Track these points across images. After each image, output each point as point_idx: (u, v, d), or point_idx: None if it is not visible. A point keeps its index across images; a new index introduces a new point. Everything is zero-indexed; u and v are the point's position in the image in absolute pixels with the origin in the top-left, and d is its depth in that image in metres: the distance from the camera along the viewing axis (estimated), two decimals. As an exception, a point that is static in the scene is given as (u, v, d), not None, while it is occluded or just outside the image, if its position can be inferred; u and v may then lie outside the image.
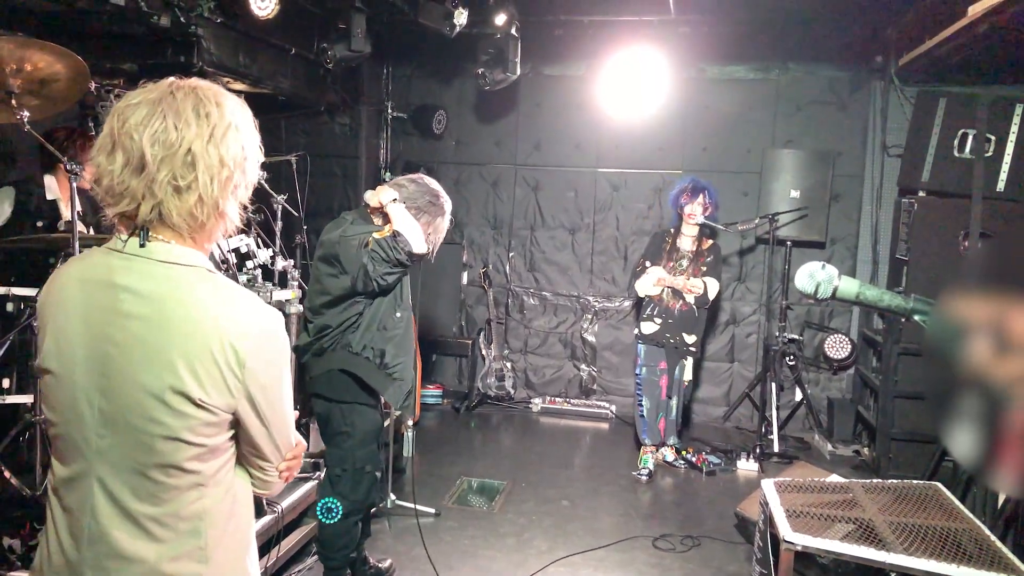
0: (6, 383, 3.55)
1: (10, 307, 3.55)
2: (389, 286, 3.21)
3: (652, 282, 5.33)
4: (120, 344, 1.36)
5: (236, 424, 1.42)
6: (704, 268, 5.40)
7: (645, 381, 5.37)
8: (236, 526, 1.49)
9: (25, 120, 3.22)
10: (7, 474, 3.51)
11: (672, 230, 5.49)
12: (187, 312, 1.36)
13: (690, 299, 5.36)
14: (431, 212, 3.33)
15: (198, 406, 1.34)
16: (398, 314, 3.33)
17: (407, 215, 3.25)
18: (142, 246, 1.39)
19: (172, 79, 1.42)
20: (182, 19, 4.35)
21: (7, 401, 3.58)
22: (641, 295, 5.43)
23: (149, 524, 1.38)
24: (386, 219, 3.28)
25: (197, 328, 1.35)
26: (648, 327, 5.33)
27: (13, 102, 3.18)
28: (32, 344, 3.49)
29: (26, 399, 3.57)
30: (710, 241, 5.49)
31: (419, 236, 3.23)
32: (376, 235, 3.16)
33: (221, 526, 1.44)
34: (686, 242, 5.42)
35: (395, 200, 3.25)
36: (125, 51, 4.62)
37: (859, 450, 5.79)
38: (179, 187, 1.36)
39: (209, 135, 1.37)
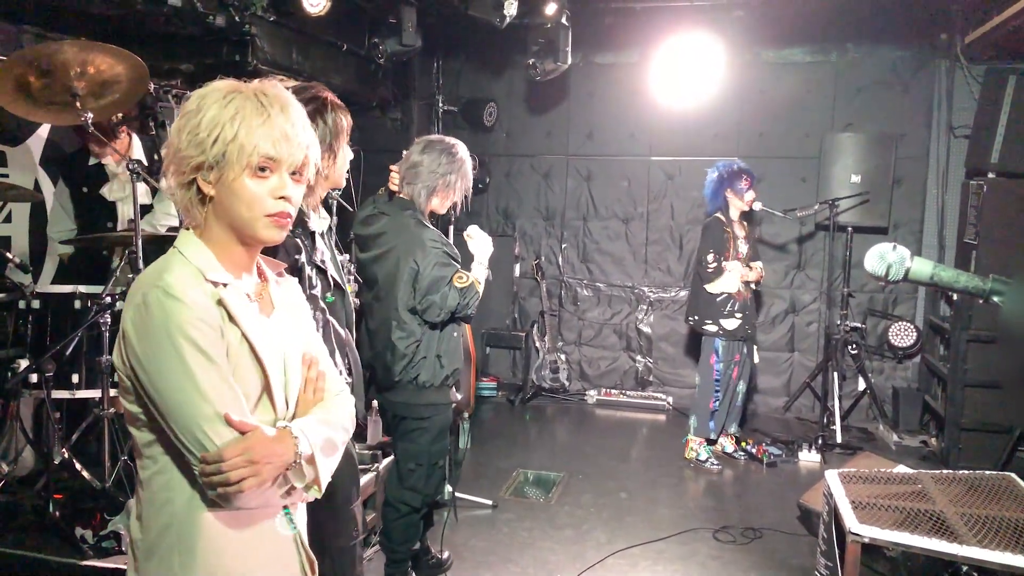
0: (75, 378, 3.65)
1: (77, 304, 3.65)
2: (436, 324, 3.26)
3: (737, 281, 5.18)
4: None
5: (140, 397, 1.42)
6: (754, 249, 5.39)
7: (723, 376, 5.27)
8: (176, 532, 1.43)
9: (89, 121, 3.31)
10: (79, 466, 3.63)
11: (723, 218, 5.27)
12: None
13: (752, 284, 5.33)
14: (454, 170, 3.33)
15: (114, 368, 1.47)
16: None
17: (485, 275, 3.37)
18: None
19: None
20: (236, 18, 4.41)
21: (77, 396, 3.69)
22: (717, 292, 5.20)
23: (137, 483, 1.51)
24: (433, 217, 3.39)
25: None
26: (731, 323, 5.18)
27: (77, 104, 3.27)
28: (100, 340, 3.58)
29: (95, 393, 3.68)
30: (747, 224, 5.43)
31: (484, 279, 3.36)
32: (461, 283, 3.19)
33: (153, 505, 1.46)
34: (739, 228, 5.32)
35: (481, 264, 3.37)
36: (182, 51, 4.71)
37: (926, 440, 5.62)
38: None
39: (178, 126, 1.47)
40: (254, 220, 1.48)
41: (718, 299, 5.18)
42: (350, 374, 2.54)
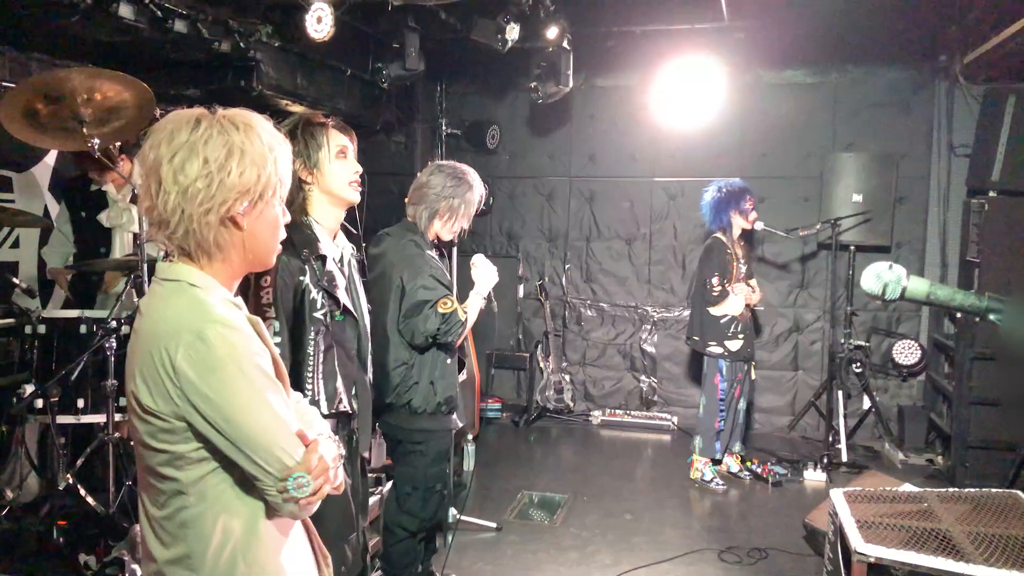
0: (81, 403, 3.66)
1: (83, 329, 3.67)
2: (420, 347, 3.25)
3: (742, 304, 5.18)
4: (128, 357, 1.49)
5: (199, 435, 1.40)
6: (750, 269, 5.44)
7: (728, 396, 5.25)
8: (236, 548, 1.45)
9: (96, 147, 3.35)
10: (83, 492, 3.62)
11: (724, 239, 5.26)
12: (149, 323, 1.44)
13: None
14: (459, 194, 3.33)
15: (148, 412, 1.40)
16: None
17: (480, 305, 3.37)
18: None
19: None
20: (241, 44, 4.47)
21: (82, 421, 3.69)
22: (721, 315, 5.18)
23: (156, 526, 1.47)
24: (439, 247, 3.42)
25: (148, 336, 1.42)
26: (735, 344, 5.17)
27: (84, 130, 3.31)
28: (105, 365, 3.59)
29: (100, 418, 3.68)
30: (743, 243, 5.43)
31: (476, 310, 3.36)
32: (445, 308, 3.17)
33: (209, 540, 1.44)
34: (738, 248, 5.33)
35: (478, 294, 3.37)
36: (187, 77, 4.77)
37: (932, 459, 5.60)
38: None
39: (161, 157, 1.43)
40: (275, 247, 1.57)
41: (722, 321, 5.18)
42: (352, 401, 2.53)
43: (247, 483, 1.44)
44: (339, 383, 2.46)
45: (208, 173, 1.41)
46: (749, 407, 5.69)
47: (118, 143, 3.91)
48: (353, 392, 2.53)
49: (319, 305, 2.42)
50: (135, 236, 3.89)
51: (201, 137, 1.42)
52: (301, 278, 2.38)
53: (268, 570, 1.50)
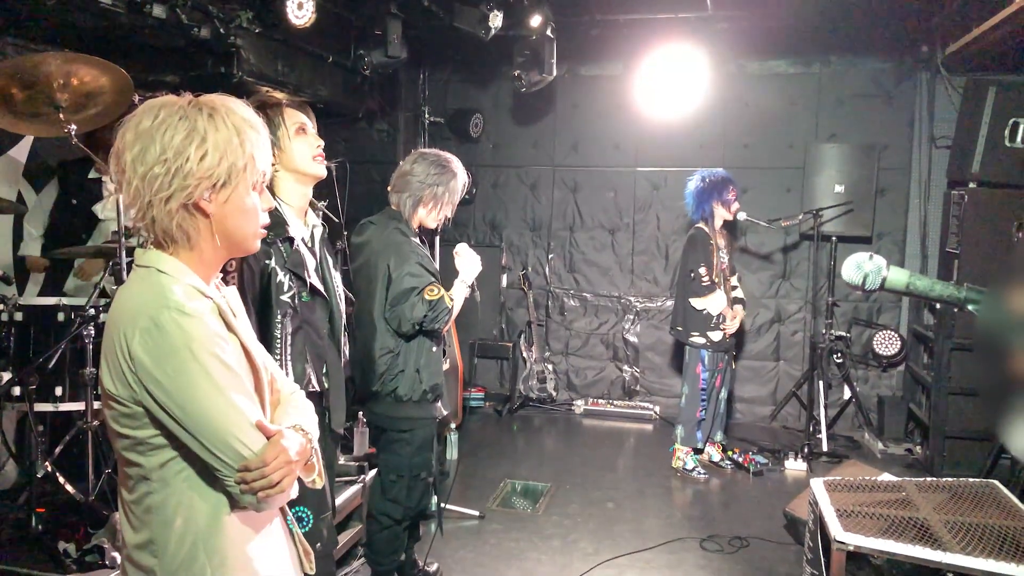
0: (59, 391, 3.62)
1: (61, 316, 3.62)
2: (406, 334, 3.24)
3: (721, 308, 5.18)
4: None
5: (156, 421, 1.39)
6: (733, 261, 5.48)
7: (709, 385, 5.28)
8: (198, 537, 1.44)
9: (73, 133, 3.30)
10: (62, 480, 3.59)
11: (707, 229, 5.26)
12: (115, 308, 1.45)
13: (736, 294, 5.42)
14: (443, 182, 3.33)
15: (110, 396, 1.41)
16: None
17: (465, 293, 3.37)
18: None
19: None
20: (221, 30, 4.41)
21: (60, 409, 3.66)
22: (700, 308, 5.20)
23: (127, 510, 1.48)
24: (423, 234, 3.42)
25: (112, 321, 1.42)
26: (717, 335, 5.19)
27: (61, 116, 3.26)
28: (83, 353, 3.56)
29: (78, 406, 3.64)
30: (726, 232, 5.44)
31: (462, 298, 3.36)
32: (431, 295, 3.16)
33: (170, 527, 1.43)
34: (720, 238, 5.34)
35: (463, 282, 3.37)
36: (167, 63, 4.70)
37: (911, 448, 5.65)
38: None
39: (125, 145, 1.42)
40: (253, 234, 1.54)
41: (704, 313, 5.21)
42: (324, 381, 2.56)
43: (211, 473, 1.43)
44: (308, 364, 2.49)
45: (165, 160, 1.40)
46: (730, 397, 5.72)
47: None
48: (324, 371, 2.56)
49: (286, 288, 2.45)
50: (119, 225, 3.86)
51: (162, 124, 1.41)
52: (267, 261, 2.41)
53: (230, 561, 1.47)
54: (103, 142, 4.02)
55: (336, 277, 2.71)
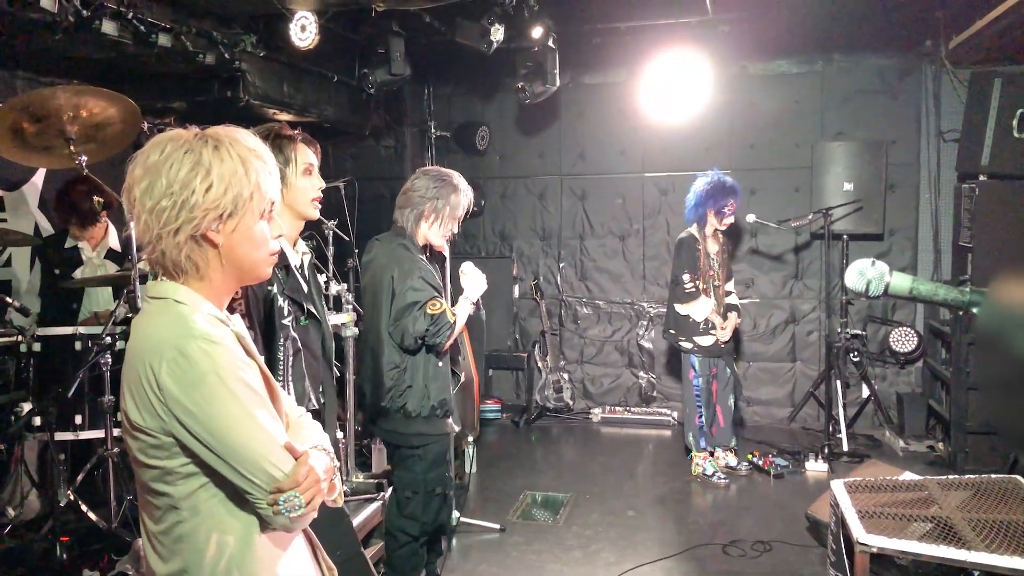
0: (79, 419, 3.66)
1: (78, 346, 3.66)
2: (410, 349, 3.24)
3: (706, 314, 5.20)
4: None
5: (187, 449, 1.40)
6: (727, 267, 5.45)
7: (703, 391, 5.28)
8: (231, 562, 1.45)
9: (84, 164, 3.34)
10: (84, 508, 3.62)
11: (696, 234, 5.26)
12: (136, 340, 1.45)
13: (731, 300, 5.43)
14: (443, 195, 3.33)
15: (137, 428, 1.41)
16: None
17: (469, 310, 3.38)
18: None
19: None
20: (226, 55, 4.46)
21: (81, 437, 3.69)
22: (684, 314, 5.24)
23: (154, 541, 1.48)
24: (429, 250, 3.43)
25: (135, 354, 1.43)
26: (706, 340, 5.21)
27: (71, 147, 3.30)
28: (101, 381, 3.59)
29: (98, 434, 3.68)
30: (722, 236, 5.42)
31: (465, 315, 3.36)
32: (434, 310, 3.17)
33: (203, 554, 1.44)
34: (713, 246, 5.32)
35: (467, 299, 3.39)
36: (174, 90, 4.76)
37: (933, 445, 5.61)
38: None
39: (135, 180, 1.45)
40: (263, 262, 1.56)
41: (690, 320, 5.22)
42: (320, 402, 2.66)
43: (240, 497, 1.44)
44: (307, 383, 2.60)
45: (171, 193, 1.42)
46: (739, 402, 5.71)
47: (100, 200, 3.91)
48: (320, 389, 2.68)
49: (286, 312, 2.54)
50: (126, 257, 3.91)
51: (168, 158, 1.43)
52: (269, 287, 2.48)
53: None
54: (78, 206, 4.09)
55: (321, 300, 2.79)
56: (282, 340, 2.50)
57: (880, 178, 5.95)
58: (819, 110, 6.36)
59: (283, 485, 1.41)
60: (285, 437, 1.47)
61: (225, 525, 1.46)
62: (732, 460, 5.43)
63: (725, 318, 5.30)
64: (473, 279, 3.43)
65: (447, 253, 3.66)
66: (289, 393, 2.49)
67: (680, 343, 5.29)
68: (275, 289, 2.49)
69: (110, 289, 4.34)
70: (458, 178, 3.41)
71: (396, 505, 3.37)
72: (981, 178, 5.19)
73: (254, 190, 1.48)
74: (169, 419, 1.38)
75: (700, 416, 5.28)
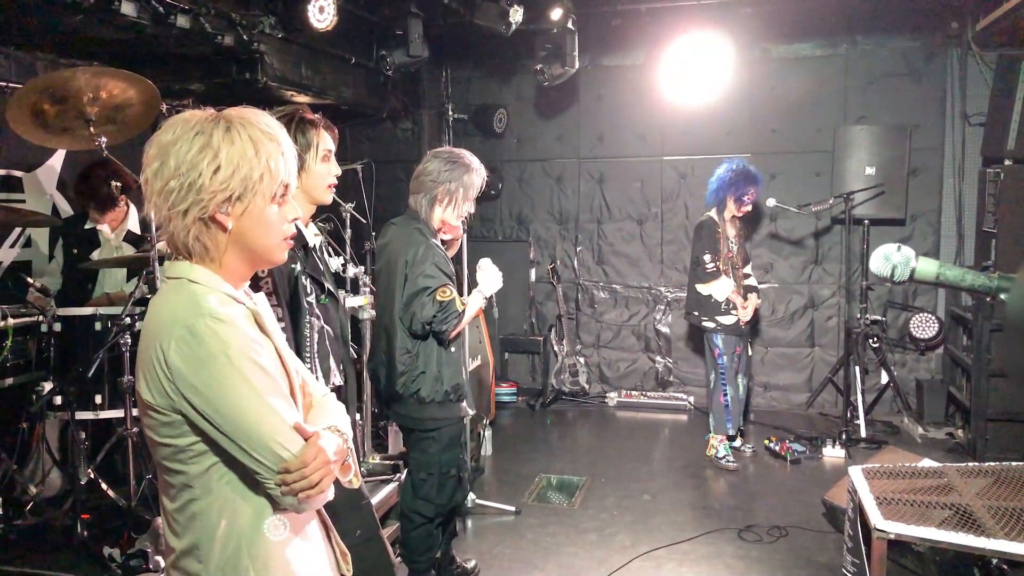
0: (99, 399, 3.69)
1: (98, 326, 3.69)
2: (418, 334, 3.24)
3: (727, 293, 5.19)
4: None
5: (196, 428, 1.41)
6: (744, 250, 5.46)
7: (728, 370, 5.26)
8: (241, 541, 1.46)
9: (103, 146, 3.35)
10: (105, 486, 3.67)
11: (716, 217, 5.27)
12: (149, 319, 1.47)
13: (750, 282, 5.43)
14: (455, 178, 3.32)
15: (148, 407, 1.42)
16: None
17: (480, 303, 3.37)
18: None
19: None
20: (245, 37, 4.45)
21: (101, 416, 3.73)
22: (706, 294, 5.24)
23: (170, 518, 1.49)
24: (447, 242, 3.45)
25: (147, 333, 1.44)
26: (728, 319, 5.20)
27: (91, 129, 3.31)
28: (121, 361, 3.62)
29: (118, 413, 3.72)
30: (739, 222, 5.41)
31: (475, 307, 3.35)
32: (443, 296, 3.17)
33: (215, 532, 1.45)
34: (731, 230, 5.33)
35: (481, 292, 3.38)
36: (193, 72, 4.77)
37: (952, 432, 5.56)
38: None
39: (148, 161, 1.45)
40: (275, 245, 1.54)
41: (712, 300, 5.22)
42: (343, 379, 2.69)
43: (252, 477, 1.45)
44: (331, 361, 2.62)
45: (180, 174, 1.41)
46: (750, 385, 5.71)
47: (118, 184, 3.93)
48: (341, 367, 2.71)
49: (308, 291, 2.55)
50: (144, 238, 3.93)
51: (178, 139, 1.43)
52: (293, 266, 2.49)
53: (272, 564, 1.49)
54: (97, 191, 4.12)
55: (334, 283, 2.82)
56: (308, 317, 2.53)
57: (903, 162, 5.87)
58: (842, 93, 6.28)
59: (291, 465, 1.41)
60: (296, 417, 1.46)
61: (237, 504, 1.46)
62: (737, 441, 5.43)
63: (746, 299, 5.28)
64: (489, 275, 3.43)
65: (464, 235, 3.64)
66: (316, 372, 2.51)
67: (703, 323, 5.28)
68: (298, 267, 2.50)
69: (124, 271, 4.36)
70: (470, 157, 3.40)
71: (411, 487, 3.39)
72: (1007, 163, 5.12)
73: (264, 172, 1.46)
74: (177, 397, 1.39)
75: (725, 395, 5.26)
